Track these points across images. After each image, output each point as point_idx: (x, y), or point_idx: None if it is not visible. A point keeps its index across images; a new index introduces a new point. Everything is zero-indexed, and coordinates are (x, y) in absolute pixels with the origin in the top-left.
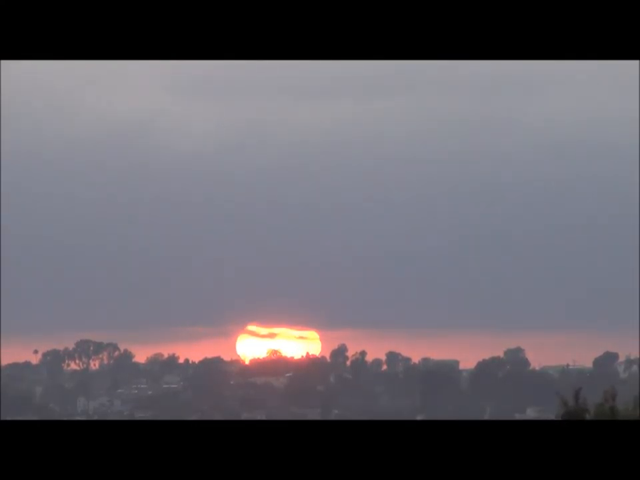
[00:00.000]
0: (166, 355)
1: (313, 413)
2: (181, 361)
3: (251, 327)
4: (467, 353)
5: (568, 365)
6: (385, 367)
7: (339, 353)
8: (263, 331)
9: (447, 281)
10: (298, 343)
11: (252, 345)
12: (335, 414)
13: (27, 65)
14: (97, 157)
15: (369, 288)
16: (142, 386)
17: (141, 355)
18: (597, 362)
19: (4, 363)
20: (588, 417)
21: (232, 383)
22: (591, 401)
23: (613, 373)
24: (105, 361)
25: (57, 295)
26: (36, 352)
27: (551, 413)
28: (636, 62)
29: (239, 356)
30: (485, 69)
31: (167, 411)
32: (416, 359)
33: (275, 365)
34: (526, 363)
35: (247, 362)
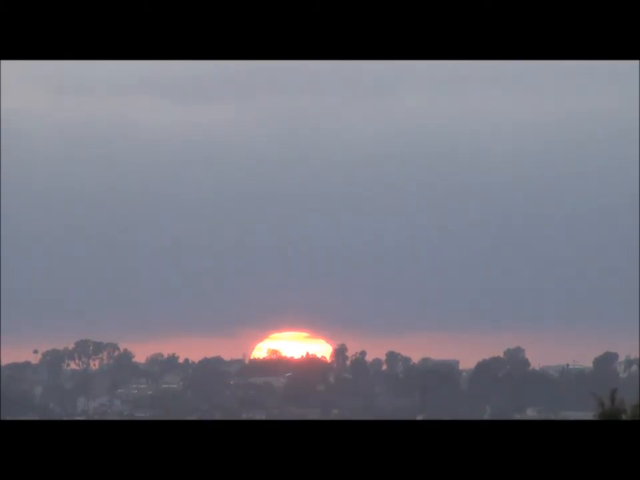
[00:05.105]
0: (166, 355)
1: (313, 413)
2: (181, 361)
3: (251, 329)
4: (467, 352)
5: (568, 365)
6: (384, 367)
7: (339, 353)
8: (264, 330)
9: (446, 281)
10: (298, 343)
11: (252, 345)
12: (334, 414)
13: None
14: None
15: (369, 288)
16: (142, 386)
17: (141, 355)
18: (597, 362)
19: (4, 362)
20: (624, 417)
21: (232, 383)
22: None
23: (613, 373)
24: (105, 361)
25: (56, 295)
26: (36, 352)
27: (551, 412)
28: (636, 62)
29: (239, 356)
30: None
31: (166, 411)
32: (416, 359)
33: (275, 365)
34: (526, 363)
35: (246, 362)
